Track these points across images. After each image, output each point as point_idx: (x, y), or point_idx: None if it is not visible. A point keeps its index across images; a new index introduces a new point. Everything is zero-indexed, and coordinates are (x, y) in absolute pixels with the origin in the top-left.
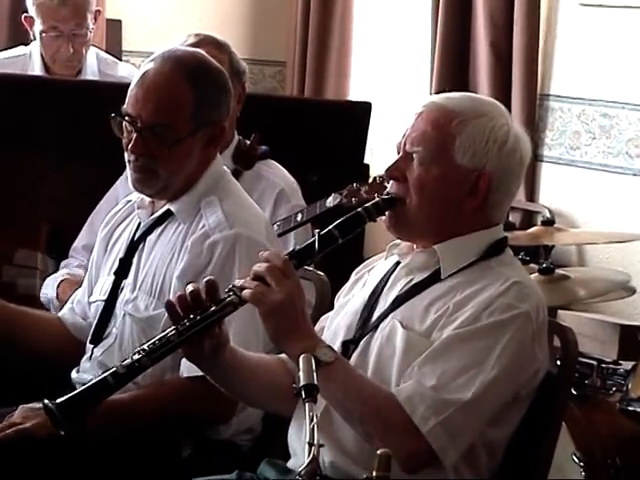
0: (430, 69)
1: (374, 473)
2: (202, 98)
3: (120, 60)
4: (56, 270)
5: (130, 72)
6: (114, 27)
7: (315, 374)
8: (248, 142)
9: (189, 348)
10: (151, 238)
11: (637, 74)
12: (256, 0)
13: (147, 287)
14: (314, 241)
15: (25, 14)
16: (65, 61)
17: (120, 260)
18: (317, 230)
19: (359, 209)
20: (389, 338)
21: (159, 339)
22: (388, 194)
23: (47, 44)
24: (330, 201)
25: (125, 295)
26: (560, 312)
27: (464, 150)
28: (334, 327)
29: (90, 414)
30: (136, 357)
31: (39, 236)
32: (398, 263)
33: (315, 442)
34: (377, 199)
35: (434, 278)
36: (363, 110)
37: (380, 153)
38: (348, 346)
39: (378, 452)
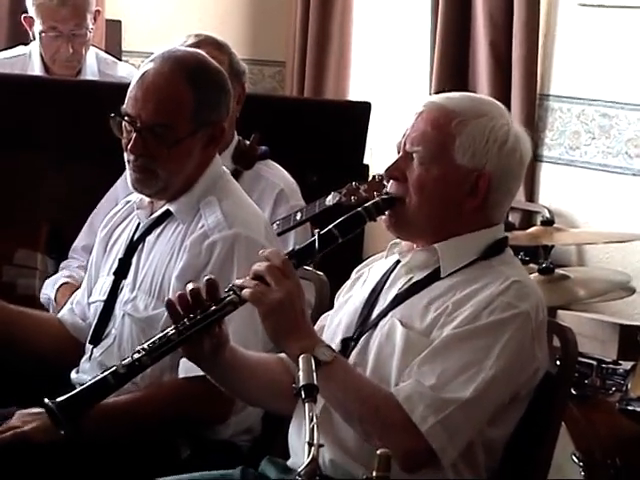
0: (429, 69)
1: (374, 473)
2: (202, 98)
3: (120, 60)
4: (56, 270)
5: (130, 72)
6: (114, 27)
7: (315, 374)
8: (248, 142)
9: (189, 347)
10: (150, 238)
11: (637, 74)
12: (256, 0)
13: (146, 287)
14: (314, 240)
15: (25, 14)
16: (65, 61)
17: (119, 260)
18: (317, 230)
19: (359, 208)
20: (388, 336)
21: (159, 338)
22: (388, 194)
23: (47, 44)
24: (329, 200)
25: (124, 295)
26: (560, 312)
27: (464, 150)
28: (334, 325)
29: (89, 414)
30: (136, 356)
31: (39, 236)
32: (398, 262)
33: (315, 442)
34: (377, 199)
35: (434, 277)
36: (362, 110)
37: (380, 153)
38: (347, 344)
39: (378, 452)
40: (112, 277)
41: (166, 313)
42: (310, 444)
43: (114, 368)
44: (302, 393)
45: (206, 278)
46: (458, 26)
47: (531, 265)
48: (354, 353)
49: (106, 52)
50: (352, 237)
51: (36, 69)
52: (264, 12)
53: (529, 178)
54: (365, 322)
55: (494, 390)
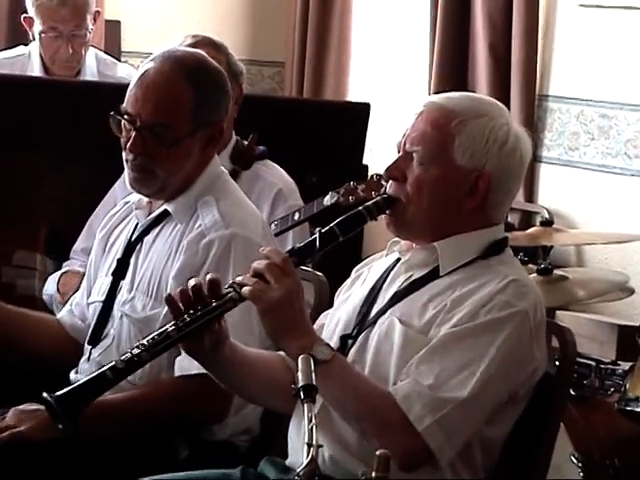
0: (429, 70)
1: (373, 474)
2: (202, 98)
3: (119, 61)
4: (55, 271)
5: (129, 73)
6: (113, 28)
7: (314, 374)
8: (246, 143)
9: (189, 343)
10: (148, 239)
11: (636, 75)
12: (255, 1)
13: (144, 287)
14: (315, 239)
15: (24, 14)
16: (64, 62)
17: (118, 261)
18: (318, 228)
19: (360, 208)
20: (387, 334)
21: (158, 334)
22: (387, 194)
23: (46, 45)
24: (327, 200)
25: (123, 296)
26: (558, 313)
27: (463, 150)
28: (333, 323)
29: (87, 410)
30: (135, 352)
31: (38, 237)
32: (398, 260)
33: (314, 443)
34: (378, 198)
35: (433, 275)
36: (362, 111)
37: (379, 154)
38: (346, 341)
39: (377, 453)
40: (110, 278)
41: (163, 313)
42: (309, 445)
43: (113, 363)
44: (301, 394)
45: (209, 276)
46: (457, 27)
47: (530, 265)
48: (353, 351)
49: (105, 52)
50: (351, 237)
51: (36, 69)
52: (263, 13)
53: (528, 179)
54: (364, 320)
55: (492, 389)
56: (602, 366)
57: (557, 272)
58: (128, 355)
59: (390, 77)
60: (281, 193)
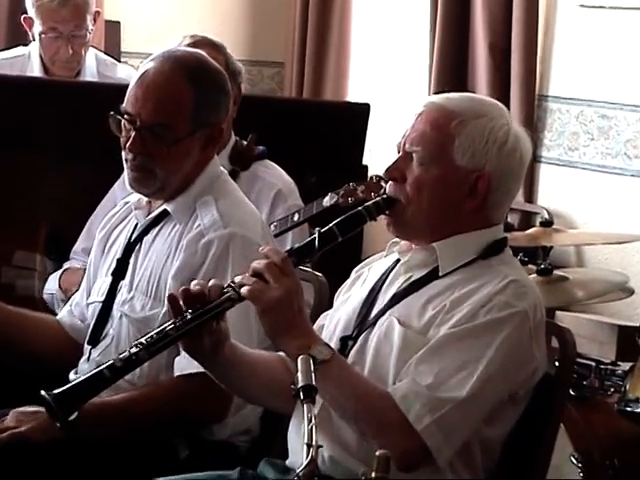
0: (429, 70)
1: (373, 474)
2: (202, 98)
3: (119, 61)
4: (55, 271)
5: (129, 74)
6: (113, 28)
7: (313, 375)
8: (245, 143)
9: (188, 343)
10: (148, 239)
11: (636, 75)
12: (255, 1)
13: (143, 287)
14: (314, 239)
15: (24, 15)
16: (64, 62)
17: (117, 261)
18: (318, 228)
19: (360, 208)
20: (386, 335)
21: (157, 333)
22: (387, 195)
23: (46, 45)
24: (327, 201)
25: (122, 296)
26: (558, 313)
27: (463, 150)
28: (333, 324)
29: (85, 409)
30: (134, 350)
31: (38, 237)
32: (398, 261)
33: (313, 443)
34: (378, 198)
35: (432, 275)
36: (361, 111)
37: (379, 154)
38: (346, 342)
39: (377, 453)
40: (110, 278)
41: (162, 313)
42: (309, 445)
43: (111, 362)
44: (301, 394)
45: (212, 281)
46: (457, 27)
47: (530, 266)
48: (353, 352)
49: (105, 53)
50: (351, 237)
51: (35, 70)
52: (263, 13)
53: (528, 179)
54: (364, 321)
55: (491, 389)
56: (602, 366)
57: (557, 272)
58: (126, 354)
59: (390, 77)
60: (280, 193)
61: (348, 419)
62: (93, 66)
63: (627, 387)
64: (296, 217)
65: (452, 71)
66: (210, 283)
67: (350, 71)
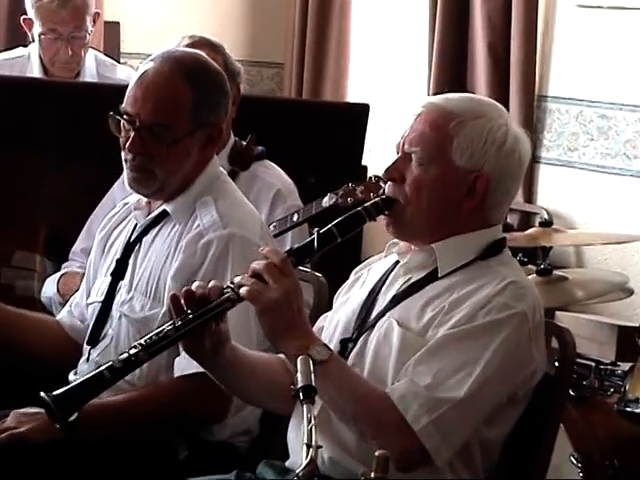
0: (428, 71)
1: (372, 474)
2: (201, 99)
3: (118, 62)
4: (54, 272)
5: (128, 75)
6: (112, 29)
7: (313, 375)
8: (244, 143)
9: (189, 344)
10: (147, 239)
11: (635, 75)
12: (254, 2)
13: (142, 288)
14: (313, 239)
15: (24, 16)
16: (64, 63)
17: (116, 261)
18: (317, 229)
19: (359, 208)
20: (385, 336)
21: (156, 334)
22: (385, 195)
23: (46, 46)
24: (326, 201)
25: (121, 296)
26: (558, 313)
27: (462, 151)
28: (332, 326)
29: (84, 410)
30: (133, 351)
31: (38, 238)
32: (397, 262)
33: (313, 443)
34: (377, 199)
35: (431, 277)
36: (361, 112)
37: (378, 154)
38: (346, 344)
39: (376, 453)
40: (109, 278)
41: (162, 313)
42: (308, 445)
43: (110, 363)
44: (300, 394)
45: (212, 282)
46: (456, 27)
47: (529, 266)
48: (352, 354)
49: (105, 54)
50: (351, 238)
51: (35, 71)
52: (263, 14)
53: (527, 179)
54: (364, 322)
55: (489, 390)
56: (601, 367)
57: (556, 273)
58: (126, 355)
59: (389, 78)
60: (280, 193)
61: (347, 420)
62: (93, 67)
63: (627, 387)
64: (295, 217)
65: (451, 72)
66: (210, 284)
67: (349, 72)
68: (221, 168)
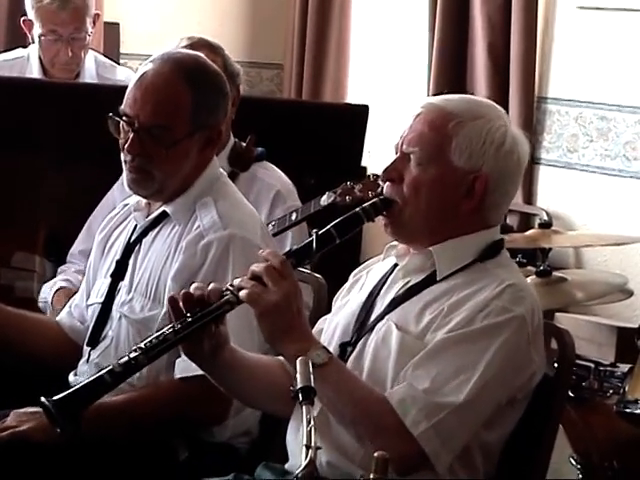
0: (427, 72)
1: (371, 475)
2: (200, 100)
3: (118, 63)
4: (54, 273)
5: (128, 76)
6: (112, 30)
7: (312, 377)
8: (244, 144)
9: (188, 346)
10: (147, 240)
11: (634, 77)
12: (254, 3)
13: (142, 289)
14: (312, 241)
15: (24, 17)
16: (64, 65)
17: (116, 262)
18: (315, 230)
19: (357, 209)
20: (384, 340)
21: (156, 337)
22: (384, 196)
23: (46, 47)
24: (324, 200)
25: (121, 297)
26: (557, 315)
27: (460, 152)
28: (331, 329)
29: (85, 413)
30: (133, 355)
31: (37, 239)
32: (396, 265)
33: (312, 445)
34: (375, 199)
35: (430, 280)
36: (360, 113)
37: (378, 155)
38: (345, 348)
39: (375, 455)
40: (109, 279)
41: (162, 314)
42: (307, 447)
43: (110, 367)
44: (299, 396)
45: (211, 285)
46: (456, 28)
47: (529, 267)
48: (352, 357)
49: (104, 55)
50: (350, 239)
51: (35, 72)
52: (262, 15)
53: (527, 181)
54: (362, 326)
55: (488, 394)
56: (601, 368)
57: (556, 274)
58: (126, 359)
59: (389, 79)
60: (279, 194)
61: (346, 423)
62: (92, 68)
63: (626, 389)
64: (294, 216)
65: (451, 73)
66: (209, 287)
67: (349, 72)
68: (221, 169)
